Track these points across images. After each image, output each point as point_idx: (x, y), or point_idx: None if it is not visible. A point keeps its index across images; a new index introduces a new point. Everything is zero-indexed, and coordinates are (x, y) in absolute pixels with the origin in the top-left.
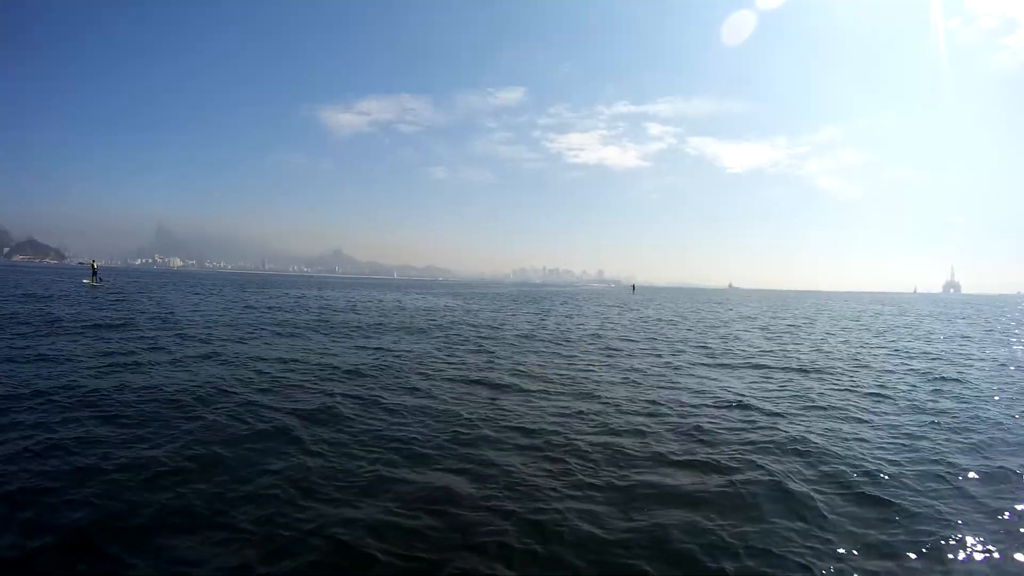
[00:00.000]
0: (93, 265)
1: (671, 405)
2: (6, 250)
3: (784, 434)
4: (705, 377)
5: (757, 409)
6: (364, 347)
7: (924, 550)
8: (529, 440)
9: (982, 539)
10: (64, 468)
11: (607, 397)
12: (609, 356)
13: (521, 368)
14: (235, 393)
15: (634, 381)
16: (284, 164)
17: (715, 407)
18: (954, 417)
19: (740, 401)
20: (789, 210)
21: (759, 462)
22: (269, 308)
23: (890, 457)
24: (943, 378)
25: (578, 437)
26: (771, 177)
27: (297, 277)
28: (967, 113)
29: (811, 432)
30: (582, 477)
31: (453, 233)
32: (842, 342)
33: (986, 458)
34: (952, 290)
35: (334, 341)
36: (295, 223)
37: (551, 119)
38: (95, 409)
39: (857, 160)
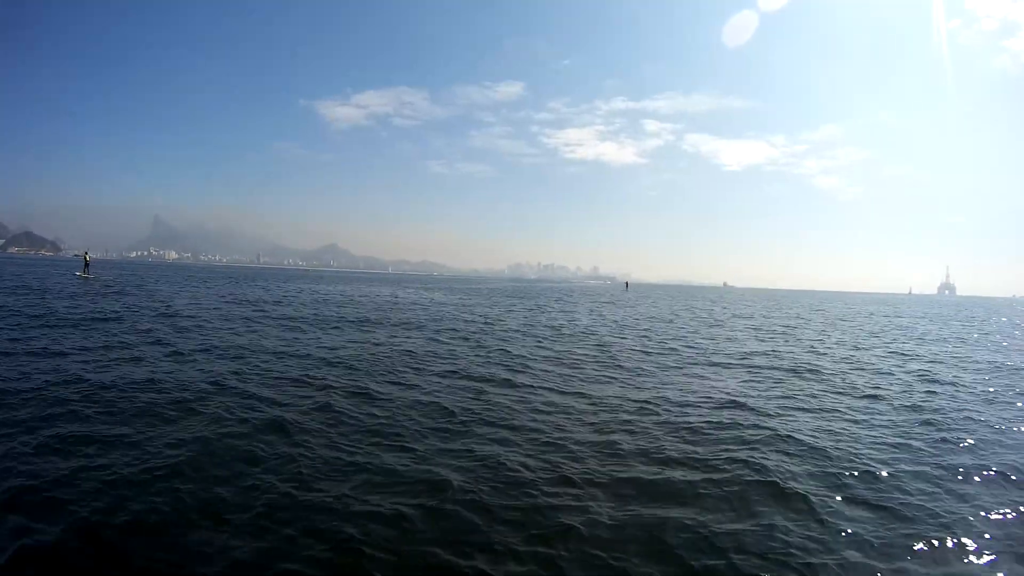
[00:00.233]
0: (86, 257)
1: (659, 402)
2: (2, 242)
3: (773, 432)
4: (695, 376)
5: (748, 408)
6: (355, 340)
7: (917, 548)
8: (517, 435)
9: (974, 539)
10: (51, 467)
11: (595, 395)
12: (600, 352)
13: (511, 363)
14: (225, 387)
15: (622, 379)
16: (281, 157)
17: (704, 406)
18: (945, 416)
19: (730, 399)
20: (786, 209)
21: (748, 459)
22: (262, 301)
23: (881, 457)
24: (936, 380)
25: (565, 433)
26: (769, 175)
27: (292, 271)
28: (967, 114)
29: (800, 431)
30: (568, 474)
31: (449, 228)
32: (835, 343)
33: (979, 458)
34: (947, 291)
35: (327, 335)
36: (291, 217)
37: (549, 114)
38: (75, 405)
39: (856, 159)
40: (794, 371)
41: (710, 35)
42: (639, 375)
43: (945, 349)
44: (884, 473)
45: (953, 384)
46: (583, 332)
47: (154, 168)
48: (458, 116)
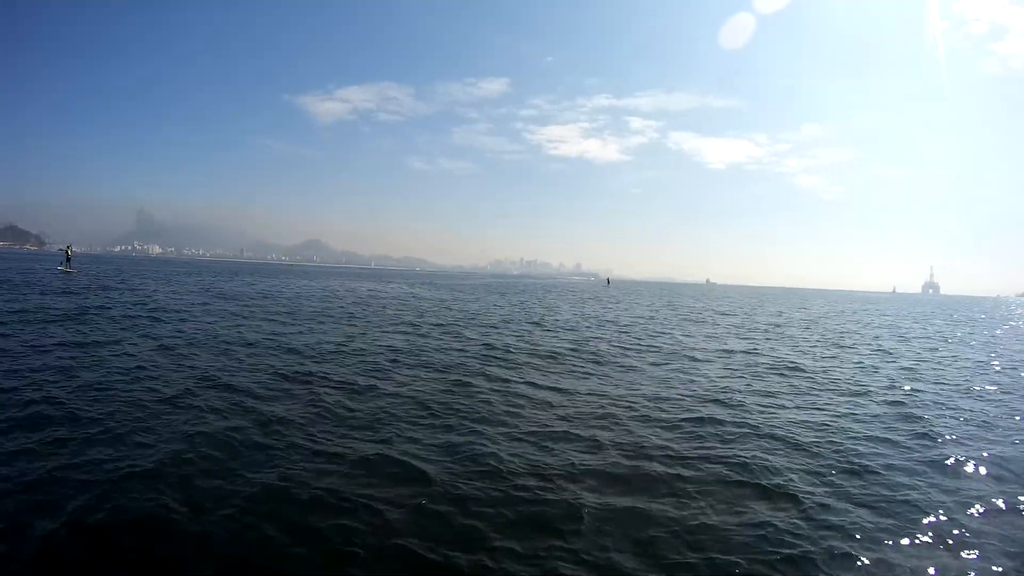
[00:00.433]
0: (67, 251)
1: (638, 398)
2: None
3: (754, 428)
4: (675, 371)
5: (728, 404)
6: (338, 335)
7: (901, 541)
8: (496, 429)
9: (958, 530)
10: (36, 466)
11: (573, 389)
12: (579, 347)
13: (491, 357)
14: (208, 381)
15: (600, 374)
16: (264, 152)
17: (685, 401)
18: (928, 411)
19: (710, 396)
20: (769, 207)
21: (728, 454)
22: (246, 296)
23: (864, 451)
24: (918, 377)
25: (543, 427)
26: (752, 174)
27: (275, 265)
28: (953, 116)
29: (782, 427)
30: (546, 467)
31: (432, 224)
32: (818, 340)
33: (962, 452)
34: (931, 291)
35: (309, 329)
36: (274, 212)
37: (533, 111)
38: (47, 404)
39: (839, 159)
40: (775, 368)
41: (694, 33)
42: (618, 370)
43: (927, 346)
44: (867, 467)
45: (936, 381)
46: (563, 327)
47: (138, 163)
48: (441, 112)
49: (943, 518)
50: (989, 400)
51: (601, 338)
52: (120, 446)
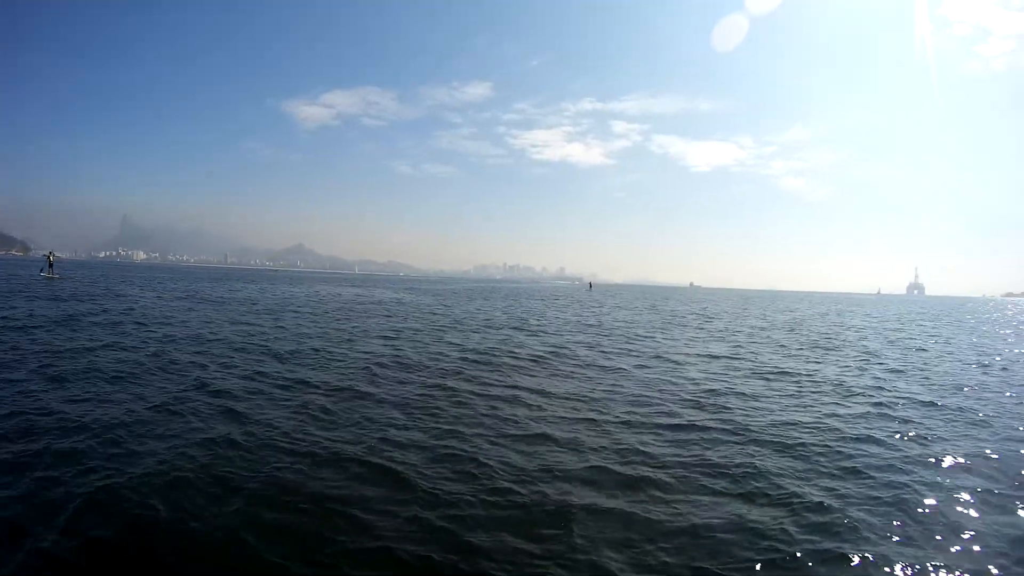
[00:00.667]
0: (50, 257)
1: (619, 400)
2: None
3: (740, 427)
4: (655, 374)
5: (711, 405)
6: (323, 339)
7: (890, 536)
8: (478, 430)
9: (946, 525)
10: (18, 480)
11: (555, 391)
12: (559, 349)
13: (473, 359)
14: (195, 387)
15: (580, 376)
16: (248, 157)
17: (668, 403)
18: (914, 409)
19: (693, 399)
20: (754, 210)
21: (714, 455)
22: (233, 300)
23: (850, 450)
24: (904, 376)
25: (527, 429)
26: (737, 176)
27: (260, 270)
28: (938, 118)
29: (767, 428)
30: (529, 467)
31: (415, 228)
32: (803, 342)
33: (950, 448)
34: (916, 291)
35: (294, 333)
36: (258, 217)
37: (516, 115)
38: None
39: (826, 161)
40: (758, 372)
41: (678, 36)
42: (600, 373)
43: (914, 345)
44: (855, 467)
45: (922, 381)
46: (546, 331)
47: (124, 169)
48: (425, 117)
49: (933, 517)
50: (978, 399)
51: (583, 342)
52: (108, 453)
